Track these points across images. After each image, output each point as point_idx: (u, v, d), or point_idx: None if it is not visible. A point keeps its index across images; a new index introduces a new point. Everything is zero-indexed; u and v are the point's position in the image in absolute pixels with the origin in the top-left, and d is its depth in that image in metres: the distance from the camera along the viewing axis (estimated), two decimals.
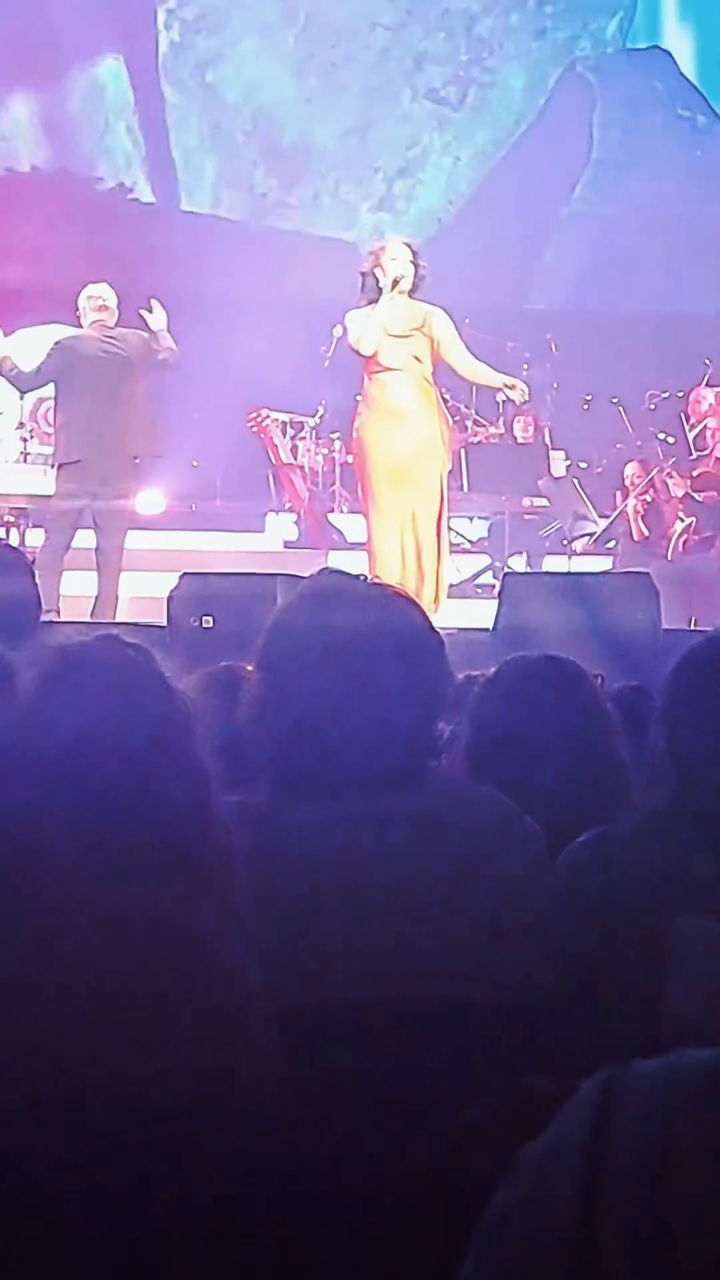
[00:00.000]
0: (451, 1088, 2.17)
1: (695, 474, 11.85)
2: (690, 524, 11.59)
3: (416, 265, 8.63)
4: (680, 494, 11.77)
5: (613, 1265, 0.95)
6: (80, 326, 9.66)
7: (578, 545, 12.23)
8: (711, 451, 11.88)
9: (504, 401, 12.80)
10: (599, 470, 13.05)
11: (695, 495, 11.60)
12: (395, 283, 8.53)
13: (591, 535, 12.27)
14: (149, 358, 9.53)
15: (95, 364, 9.41)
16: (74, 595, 9.27)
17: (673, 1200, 0.94)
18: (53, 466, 9.83)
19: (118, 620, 8.79)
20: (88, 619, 8.74)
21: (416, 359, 8.69)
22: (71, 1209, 1.71)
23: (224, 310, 12.78)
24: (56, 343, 9.67)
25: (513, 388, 9.03)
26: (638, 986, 2.32)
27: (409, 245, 8.74)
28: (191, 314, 12.13)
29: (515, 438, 12.52)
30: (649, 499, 12.00)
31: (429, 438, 8.75)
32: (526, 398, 9.00)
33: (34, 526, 10.62)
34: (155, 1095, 1.83)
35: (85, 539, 9.48)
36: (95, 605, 9.24)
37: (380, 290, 8.60)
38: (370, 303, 8.67)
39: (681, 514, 11.67)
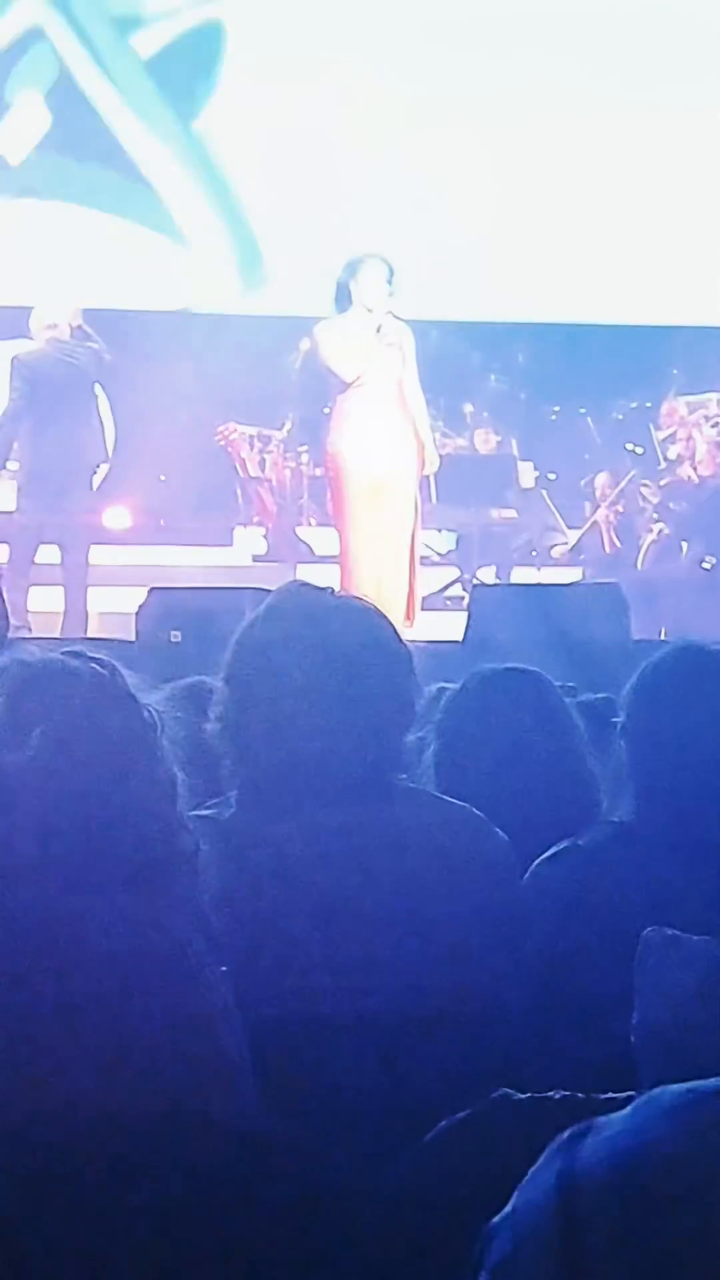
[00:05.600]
0: (423, 1099, 2.16)
1: (662, 483, 11.86)
2: (660, 531, 11.59)
3: (390, 285, 8.58)
4: (655, 501, 11.78)
5: None
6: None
7: (554, 553, 12.23)
8: (683, 460, 11.89)
9: (469, 413, 12.85)
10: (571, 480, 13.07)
11: (669, 504, 11.60)
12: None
13: (565, 544, 12.28)
14: (103, 369, 9.52)
15: (53, 378, 9.37)
16: (45, 611, 9.24)
17: None
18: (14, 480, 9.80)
19: (86, 636, 8.76)
20: (57, 635, 8.71)
21: (388, 374, 8.68)
22: (39, 1221, 1.70)
23: (191, 323, 12.76)
24: (14, 359, 9.60)
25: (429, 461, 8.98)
26: (607, 998, 2.32)
27: (384, 265, 8.64)
28: (159, 328, 12.14)
29: (476, 449, 12.56)
30: (620, 509, 12.01)
31: (402, 452, 8.75)
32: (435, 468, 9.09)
33: (1, 542, 10.58)
34: (126, 1107, 1.82)
35: (53, 554, 9.44)
36: (64, 621, 9.21)
37: (351, 300, 8.57)
38: (342, 312, 8.63)
39: (655, 520, 11.66)
